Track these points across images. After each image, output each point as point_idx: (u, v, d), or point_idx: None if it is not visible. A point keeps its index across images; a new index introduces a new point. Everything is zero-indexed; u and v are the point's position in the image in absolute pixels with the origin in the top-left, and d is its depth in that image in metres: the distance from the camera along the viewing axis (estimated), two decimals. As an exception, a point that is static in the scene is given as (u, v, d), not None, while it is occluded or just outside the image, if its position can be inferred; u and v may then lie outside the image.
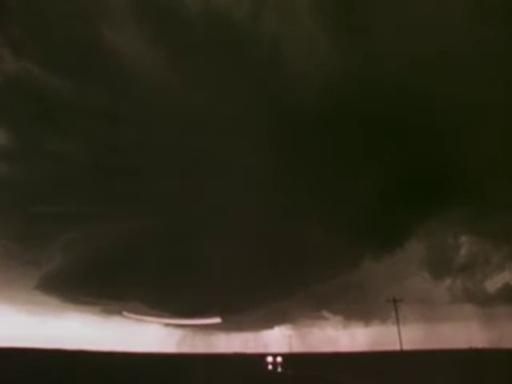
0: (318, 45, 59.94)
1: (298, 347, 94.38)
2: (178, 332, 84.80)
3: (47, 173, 71.51)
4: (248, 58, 64.09)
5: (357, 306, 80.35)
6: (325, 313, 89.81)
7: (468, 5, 50.17)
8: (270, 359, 55.95)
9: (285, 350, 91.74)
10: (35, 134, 69.47)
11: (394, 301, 46.57)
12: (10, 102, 64.75)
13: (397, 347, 45.03)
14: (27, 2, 56.28)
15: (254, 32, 62.02)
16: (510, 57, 48.33)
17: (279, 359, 53.87)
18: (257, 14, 61.35)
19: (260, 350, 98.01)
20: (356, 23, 57.58)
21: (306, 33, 58.79)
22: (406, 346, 46.08)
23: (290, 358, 64.22)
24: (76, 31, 60.07)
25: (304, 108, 63.57)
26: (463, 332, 74.40)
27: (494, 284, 66.45)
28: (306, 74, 60.61)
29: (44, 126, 69.27)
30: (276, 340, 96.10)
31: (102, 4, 58.99)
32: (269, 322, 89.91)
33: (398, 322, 44.93)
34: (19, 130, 68.54)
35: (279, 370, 45.14)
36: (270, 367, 50.10)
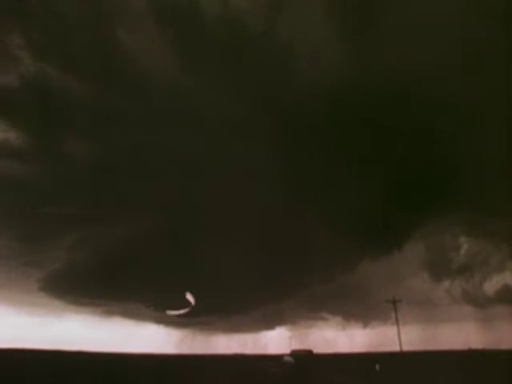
0: (331, 50, 60.31)
1: (297, 348, 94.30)
2: (178, 333, 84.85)
3: (55, 174, 71.83)
4: (262, 62, 64.54)
5: (356, 307, 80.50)
6: (324, 314, 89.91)
7: (473, 8, 50.40)
8: (269, 360, 55.96)
9: (284, 350, 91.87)
10: (48, 136, 69.77)
11: (394, 302, 46.61)
12: (28, 103, 64.83)
13: (396, 348, 45.11)
14: (46, 5, 56.63)
15: (269, 37, 62.59)
16: (510, 58, 48.40)
17: (279, 360, 53.94)
18: (272, 19, 61.94)
19: (260, 350, 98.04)
20: (370, 29, 58.02)
21: (320, 38, 59.16)
22: (406, 347, 46.16)
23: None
24: (94, 34, 60.78)
25: (310, 109, 63.98)
26: (462, 333, 74.43)
27: (493, 285, 66.57)
28: (318, 79, 60.94)
29: (57, 128, 69.59)
30: (275, 341, 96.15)
31: (121, 8, 59.49)
32: (268, 323, 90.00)
33: (397, 322, 44.97)
34: (32, 131, 68.98)
35: (279, 370, 45.11)
36: (269, 368, 50.09)
